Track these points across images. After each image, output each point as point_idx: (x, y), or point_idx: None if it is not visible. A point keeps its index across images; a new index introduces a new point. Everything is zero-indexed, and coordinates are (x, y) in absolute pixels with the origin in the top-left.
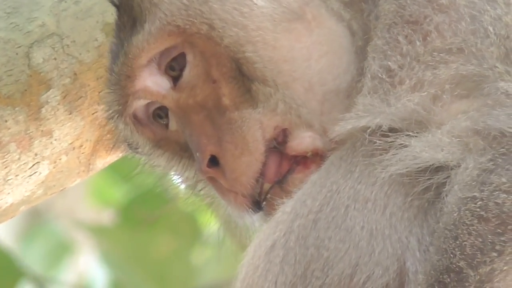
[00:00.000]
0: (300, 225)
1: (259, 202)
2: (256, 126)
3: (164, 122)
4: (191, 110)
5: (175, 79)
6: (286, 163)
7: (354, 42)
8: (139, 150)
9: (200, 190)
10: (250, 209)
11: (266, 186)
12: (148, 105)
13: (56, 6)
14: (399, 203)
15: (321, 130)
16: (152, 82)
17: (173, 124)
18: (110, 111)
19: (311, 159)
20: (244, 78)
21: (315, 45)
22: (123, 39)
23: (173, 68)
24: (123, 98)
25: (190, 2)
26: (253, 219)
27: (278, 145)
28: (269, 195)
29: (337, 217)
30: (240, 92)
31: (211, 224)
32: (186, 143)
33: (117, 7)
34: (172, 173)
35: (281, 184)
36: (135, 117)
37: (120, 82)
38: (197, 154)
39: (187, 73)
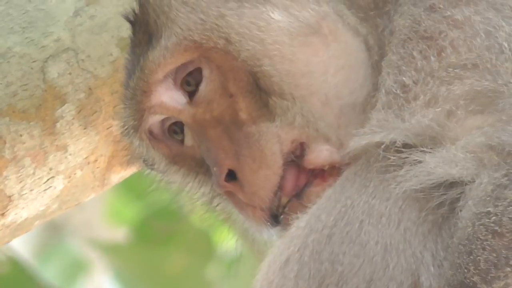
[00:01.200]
0: (315, 240)
1: (277, 216)
2: (273, 140)
3: (180, 138)
4: (208, 125)
5: (191, 94)
6: (304, 176)
7: (370, 56)
8: (155, 166)
9: (216, 206)
10: (269, 223)
11: (284, 199)
12: (163, 121)
13: (72, 21)
14: (413, 218)
15: (338, 144)
16: (168, 97)
17: (188, 140)
18: (125, 127)
19: (328, 172)
20: (261, 92)
21: (332, 59)
22: (139, 54)
23: (189, 83)
24: (138, 113)
25: (207, 16)
26: (271, 233)
27: (296, 158)
28: (286, 209)
29: (351, 232)
30: (257, 106)
31: (225, 241)
32: (202, 159)
33: (132, 23)
34: (188, 189)
35: (299, 197)
36: (150, 133)
37: (136, 97)
38: (215, 168)
39: (203, 88)
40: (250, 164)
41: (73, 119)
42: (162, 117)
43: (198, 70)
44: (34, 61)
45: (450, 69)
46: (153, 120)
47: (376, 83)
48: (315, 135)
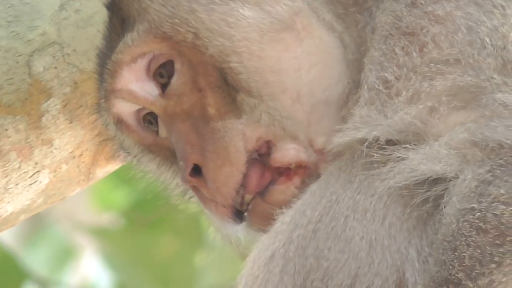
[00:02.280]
0: (300, 235)
1: (241, 213)
2: (238, 137)
3: (155, 129)
4: (178, 118)
5: (164, 86)
6: (269, 174)
7: (347, 53)
8: (129, 151)
9: (190, 198)
10: (231, 220)
11: (248, 197)
12: (139, 111)
13: (57, 15)
14: (398, 214)
15: (306, 142)
16: (139, 87)
17: (162, 131)
18: (97, 105)
19: (294, 171)
20: (229, 88)
21: (305, 55)
22: (112, 39)
23: (162, 75)
24: (105, 94)
25: (177, 10)
26: (236, 230)
27: (260, 156)
28: (250, 206)
29: (336, 227)
30: (225, 102)
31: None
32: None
33: (108, 8)
34: (162, 179)
35: (263, 195)
36: (119, 119)
37: (104, 77)
38: (181, 162)
39: (174, 81)
40: (214, 160)
41: (58, 113)
42: (133, 106)
43: (171, 63)
44: (19, 55)
45: (432, 65)
46: (122, 107)
47: (355, 80)
48: (281, 134)
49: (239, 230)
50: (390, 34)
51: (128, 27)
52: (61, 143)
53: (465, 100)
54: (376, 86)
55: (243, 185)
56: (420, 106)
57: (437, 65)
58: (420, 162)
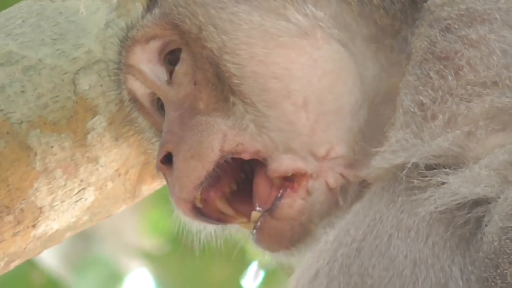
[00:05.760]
0: (344, 253)
1: (200, 210)
2: (217, 135)
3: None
4: (172, 107)
5: (172, 73)
6: (275, 189)
7: (367, 70)
8: (143, 131)
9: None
10: (189, 215)
11: (256, 214)
12: (153, 93)
13: (102, 33)
14: (441, 233)
15: (305, 151)
16: (150, 70)
17: None
18: (114, 74)
19: (297, 183)
20: (224, 87)
21: (320, 63)
22: (142, 16)
23: (172, 63)
24: (121, 66)
25: (190, 1)
26: (203, 226)
27: (261, 167)
28: (259, 224)
29: (380, 246)
30: (216, 100)
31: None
32: None
33: None
34: None
35: (271, 211)
36: (134, 97)
37: (121, 51)
38: (158, 149)
39: (178, 69)
40: (185, 152)
41: (104, 131)
42: (145, 88)
43: (180, 51)
44: (65, 73)
45: (469, 87)
46: (135, 85)
47: (390, 105)
48: (271, 145)
49: (206, 226)
50: (425, 59)
51: (151, 8)
52: (107, 160)
53: (504, 122)
54: (411, 109)
55: (209, 184)
56: (457, 132)
57: (474, 87)
58: (461, 185)
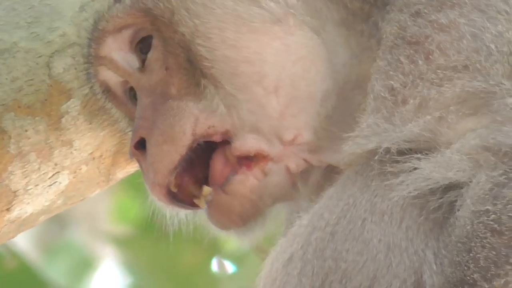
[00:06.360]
0: (318, 237)
1: (174, 195)
2: (189, 119)
3: None
4: (144, 93)
5: (144, 62)
6: (230, 165)
7: (338, 56)
8: (119, 121)
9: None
10: (164, 200)
11: (207, 189)
12: (125, 82)
13: (77, 16)
14: (415, 217)
15: (271, 134)
16: (121, 58)
17: None
18: (87, 73)
19: (254, 162)
20: (195, 72)
21: (293, 48)
22: (109, 7)
23: (143, 50)
24: (91, 60)
25: None
26: (175, 212)
27: (220, 145)
28: (210, 197)
29: (354, 230)
30: (187, 84)
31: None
32: None
33: None
34: None
35: (223, 186)
36: (106, 87)
37: (91, 43)
38: (131, 135)
39: (150, 56)
40: (158, 137)
41: (78, 114)
42: (117, 77)
43: (151, 38)
44: (39, 56)
45: (439, 71)
46: (107, 75)
47: (361, 91)
48: (240, 125)
49: (178, 212)
50: (395, 44)
51: None
52: (81, 144)
53: (475, 106)
54: (382, 94)
55: (183, 168)
56: (429, 117)
57: (444, 72)
58: (433, 170)
